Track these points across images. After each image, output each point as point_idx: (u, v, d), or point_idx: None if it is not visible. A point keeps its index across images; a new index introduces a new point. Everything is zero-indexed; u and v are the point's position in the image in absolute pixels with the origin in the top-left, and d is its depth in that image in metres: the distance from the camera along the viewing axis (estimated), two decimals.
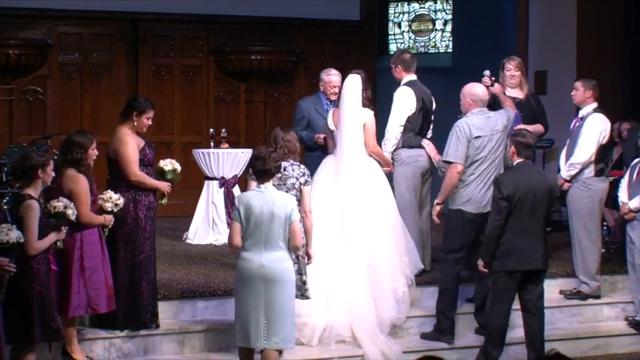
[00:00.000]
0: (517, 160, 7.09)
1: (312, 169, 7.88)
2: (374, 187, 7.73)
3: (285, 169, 6.98)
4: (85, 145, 6.72)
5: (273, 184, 6.62)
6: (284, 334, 6.42)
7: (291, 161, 7.08)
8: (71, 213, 6.30)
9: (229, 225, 9.57)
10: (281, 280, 6.41)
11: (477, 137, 7.42)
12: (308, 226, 6.99)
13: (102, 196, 6.82)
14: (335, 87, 8.42)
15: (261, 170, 6.47)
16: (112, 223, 6.86)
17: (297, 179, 7.05)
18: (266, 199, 6.43)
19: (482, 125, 7.48)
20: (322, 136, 8.32)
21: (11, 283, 6.03)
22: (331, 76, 8.51)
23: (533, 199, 6.98)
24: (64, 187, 6.63)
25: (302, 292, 7.00)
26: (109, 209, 6.80)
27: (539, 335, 7.18)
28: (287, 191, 6.90)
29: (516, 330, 7.98)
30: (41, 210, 6.21)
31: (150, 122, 7.22)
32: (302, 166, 7.15)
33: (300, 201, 6.95)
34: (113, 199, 6.80)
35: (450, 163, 7.47)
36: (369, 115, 7.82)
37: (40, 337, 6.22)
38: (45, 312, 6.22)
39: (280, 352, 6.65)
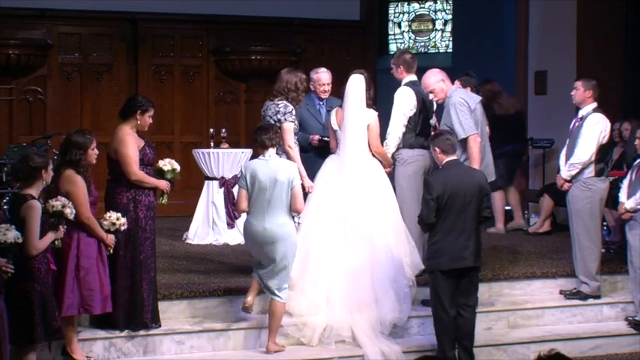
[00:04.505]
0: (445, 160, 7.16)
1: (307, 169, 7.88)
2: (376, 188, 7.74)
3: (263, 110, 7.89)
4: (84, 145, 6.71)
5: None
6: (278, 285, 7.10)
7: (275, 101, 7.84)
8: (69, 212, 6.32)
9: (229, 225, 9.76)
10: (282, 242, 7.05)
11: (472, 110, 7.80)
12: (293, 158, 7.62)
13: (104, 215, 6.82)
14: (324, 84, 8.40)
15: (261, 140, 7.12)
16: (112, 243, 6.82)
17: (271, 117, 7.74)
18: (270, 166, 7.06)
19: (468, 98, 7.86)
20: (317, 137, 8.30)
21: (12, 284, 6.04)
22: (320, 73, 8.48)
23: (463, 198, 7.04)
24: (61, 188, 6.63)
25: None
26: (106, 228, 6.80)
27: (469, 333, 7.20)
28: None
29: (516, 330, 8.03)
30: (41, 210, 6.23)
31: (151, 120, 7.26)
32: (281, 105, 7.78)
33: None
34: (112, 218, 6.80)
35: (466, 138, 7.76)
36: (373, 115, 7.84)
37: (42, 337, 6.24)
38: (46, 311, 6.24)
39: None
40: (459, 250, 7.04)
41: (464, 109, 7.78)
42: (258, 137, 7.14)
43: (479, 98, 8.11)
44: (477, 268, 7.24)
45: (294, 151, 7.70)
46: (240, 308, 7.35)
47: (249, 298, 7.27)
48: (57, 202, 6.31)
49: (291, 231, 7.13)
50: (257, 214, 7.08)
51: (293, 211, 7.14)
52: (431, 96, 8.01)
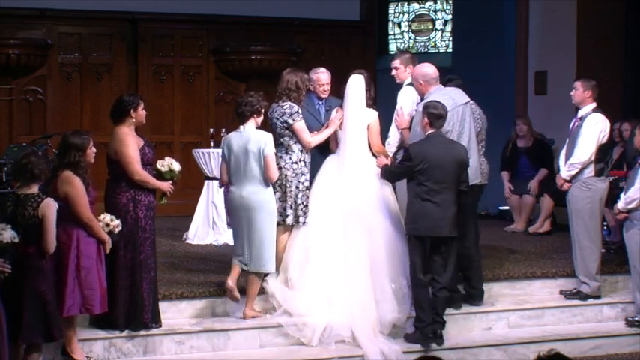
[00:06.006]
0: (429, 131, 7.36)
1: (311, 171, 7.89)
2: (376, 188, 7.73)
3: (270, 112, 7.75)
4: (83, 146, 6.71)
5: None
6: (264, 258, 7.36)
7: (280, 102, 7.74)
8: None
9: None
10: (258, 210, 7.33)
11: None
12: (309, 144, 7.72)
13: (98, 217, 6.84)
14: (324, 84, 8.35)
15: (237, 113, 7.46)
16: (109, 244, 6.80)
17: (277, 119, 7.68)
18: (242, 137, 7.38)
19: (444, 102, 7.65)
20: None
21: (25, 283, 6.13)
22: (319, 73, 8.40)
23: (441, 170, 7.25)
24: (59, 190, 6.63)
25: (282, 217, 7.64)
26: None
27: (442, 306, 7.42)
28: (274, 130, 7.68)
29: (516, 329, 8.03)
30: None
31: (145, 112, 7.30)
32: (285, 106, 7.70)
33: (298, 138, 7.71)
34: (106, 220, 6.80)
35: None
36: (373, 115, 7.84)
37: (58, 334, 6.34)
38: (55, 310, 6.33)
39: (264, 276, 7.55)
40: (435, 220, 7.26)
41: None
42: (235, 112, 7.48)
43: (463, 100, 7.85)
44: (452, 239, 7.39)
45: (315, 142, 7.77)
46: (228, 296, 7.51)
47: (229, 282, 7.45)
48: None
49: (265, 200, 7.36)
50: (236, 184, 7.41)
51: (267, 180, 7.32)
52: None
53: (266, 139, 7.35)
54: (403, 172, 7.39)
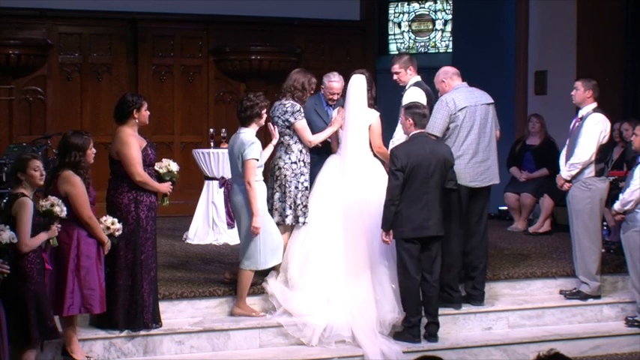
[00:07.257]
0: (413, 132, 7.39)
1: (312, 171, 7.88)
2: (377, 188, 7.73)
3: (272, 110, 7.82)
4: (83, 146, 6.72)
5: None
6: (245, 255, 7.45)
7: (282, 100, 7.84)
8: (59, 210, 6.33)
9: (229, 225, 9.79)
10: (236, 211, 7.58)
11: (462, 109, 7.73)
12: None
13: (100, 219, 6.83)
14: (334, 93, 8.32)
15: (238, 117, 7.55)
16: (108, 246, 6.82)
17: (279, 118, 7.75)
18: (235, 138, 7.55)
19: (467, 97, 7.81)
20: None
21: (6, 284, 6.07)
22: (332, 82, 8.29)
23: (426, 170, 7.28)
24: (59, 189, 6.63)
25: (282, 217, 7.73)
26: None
27: (433, 301, 7.41)
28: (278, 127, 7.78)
29: (516, 329, 8.03)
30: (34, 209, 6.23)
31: (148, 112, 7.31)
32: (288, 104, 7.78)
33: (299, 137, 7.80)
34: (107, 222, 6.80)
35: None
36: (374, 115, 7.84)
37: (37, 337, 6.26)
38: (41, 311, 6.26)
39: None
40: (421, 221, 7.28)
41: (443, 108, 7.73)
42: (237, 116, 7.59)
43: (487, 100, 7.93)
44: (439, 237, 7.41)
45: (317, 141, 7.82)
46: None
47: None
48: (46, 202, 6.33)
49: (242, 201, 7.41)
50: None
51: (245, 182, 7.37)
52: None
53: (248, 144, 7.35)
54: (397, 182, 7.25)
